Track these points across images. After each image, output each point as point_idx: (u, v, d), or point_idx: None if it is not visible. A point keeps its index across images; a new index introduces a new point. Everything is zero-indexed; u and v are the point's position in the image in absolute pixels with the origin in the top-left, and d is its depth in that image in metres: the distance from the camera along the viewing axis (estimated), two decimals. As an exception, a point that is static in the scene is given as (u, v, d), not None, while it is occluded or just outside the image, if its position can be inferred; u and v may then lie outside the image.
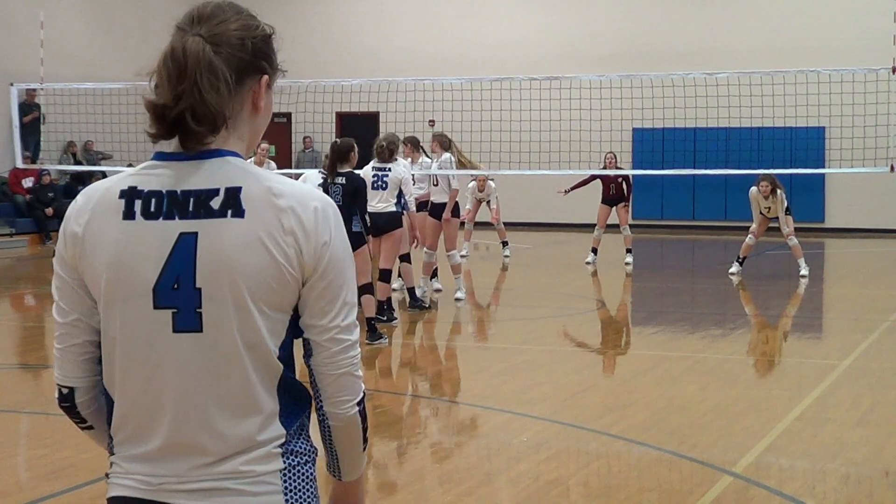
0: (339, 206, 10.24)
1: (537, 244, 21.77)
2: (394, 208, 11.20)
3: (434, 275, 13.57)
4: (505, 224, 18.80)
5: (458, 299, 13.24)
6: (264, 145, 16.48)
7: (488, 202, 18.14)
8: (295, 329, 2.28)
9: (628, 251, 17.36)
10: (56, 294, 2.31)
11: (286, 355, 2.26)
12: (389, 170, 11.23)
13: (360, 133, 28.04)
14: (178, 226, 2.20)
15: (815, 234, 23.16)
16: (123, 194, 2.26)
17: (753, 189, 15.82)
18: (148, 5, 27.21)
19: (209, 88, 2.20)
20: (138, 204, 2.24)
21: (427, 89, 21.37)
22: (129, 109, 23.33)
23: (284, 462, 2.26)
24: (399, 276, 13.17)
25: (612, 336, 11.94)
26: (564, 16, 25.86)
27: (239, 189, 2.21)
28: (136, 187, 2.27)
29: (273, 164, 16.61)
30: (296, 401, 2.29)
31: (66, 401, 2.37)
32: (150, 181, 2.29)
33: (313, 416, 2.35)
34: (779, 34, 24.33)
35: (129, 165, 23.12)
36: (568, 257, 19.01)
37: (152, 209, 2.23)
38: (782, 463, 6.63)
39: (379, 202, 11.15)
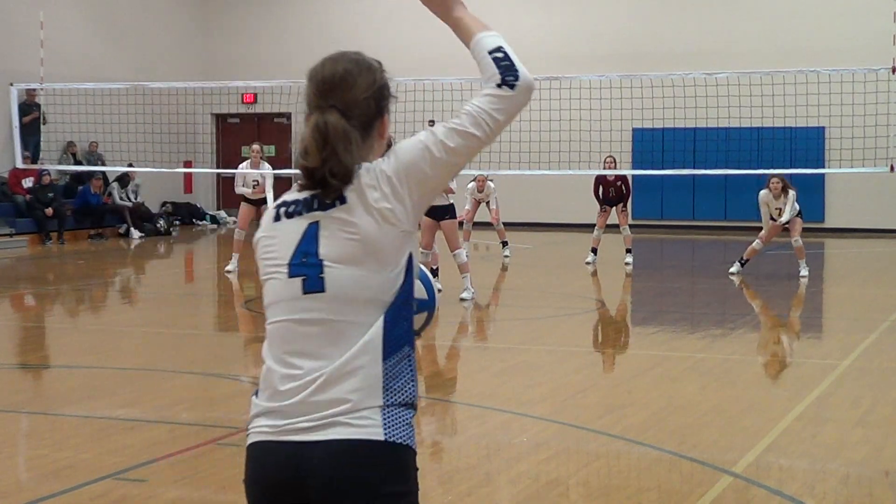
0: None
1: (537, 244, 21.77)
2: None
3: (434, 275, 13.58)
4: (505, 224, 18.80)
5: (462, 299, 13.13)
6: (256, 146, 16.46)
7: (487, 202, 18.15)
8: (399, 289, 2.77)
9: (628, 251, 17.37)
10: None
11: (393, 311, 2.77)
12: None
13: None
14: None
15: (815, 234, 23.15)
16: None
17: (763, 192, 15.76)
18: (148, 5, 27.22)
19: (344, 152, 2.76)
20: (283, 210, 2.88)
21: (427, 89, 21.37)
22: (128, 109, 23.38)
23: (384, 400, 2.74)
24: None
25: (612, 336, 11.94)
26: (564, 16, 25.86)
27: None
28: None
29: (267, 164, 16.58)
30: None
31: None
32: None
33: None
34: (779, 34, 24.32)
35: (130, 165, 23.15)
36: (568, 257, 19.01)
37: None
38: (782, 463, 6.63)
39: None
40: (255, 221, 18.07)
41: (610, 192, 17.32)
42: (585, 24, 25.75)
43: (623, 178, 17.42)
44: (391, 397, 2.75)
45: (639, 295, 15.42)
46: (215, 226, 27.15)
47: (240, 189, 16.36)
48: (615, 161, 17.55)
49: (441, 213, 12.86)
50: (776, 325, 12.42)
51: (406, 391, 2.77)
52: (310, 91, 2.84)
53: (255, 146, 16.43)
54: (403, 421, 2.75)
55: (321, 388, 2.75)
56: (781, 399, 8.48)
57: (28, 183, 22.45)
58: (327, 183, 2.76)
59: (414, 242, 2.83)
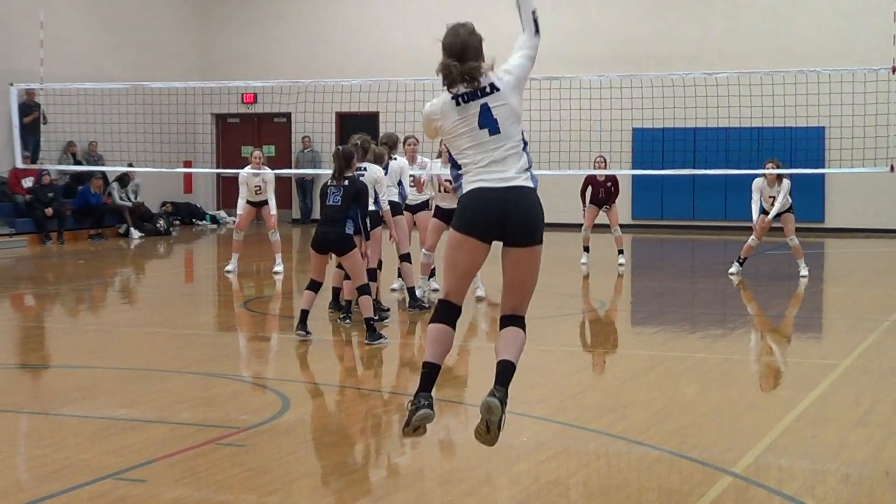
0: (335, 206, 10.28)
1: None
2: (372, 207, 11.29)
3: (432, 275, 13.57)
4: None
5: (479, 298, 13.22)
6: (258, 153, 16.42)
7: None
8: None
9: (620, 252, 17.33)
10: None
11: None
12: (364, 170, 11.39)
13: (359, 132, 28.05)
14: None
15: (815, 234, 23.16)
16: None
17: (757, 179, 15.72)
18: (148, 5, 27.22)
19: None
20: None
21: (427, 89, 21.34)
22: (128, 109, 23.38)
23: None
24: (399, 275, 13.19)
25: (611, 336, 11.93)
26: (564, 16, 25.84)
27: None
28: None
29: (267, 168, 16.54)
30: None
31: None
32: None
33: None
34: (779, 34, 24.32)
35: (129, 165, 23.15)
36: (568, 257, 18.99)
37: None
38: (782, 463, 6.63)
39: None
40: (255, 222, 18.05)
41: (599, 192, 17.27)
42: (585, 24, 25.74)
43: (613, 179, 17.33)
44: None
45: (639, 295, 15.42)
46: (215, 226, 27.14)
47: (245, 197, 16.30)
48: (605, 161, 17.49)
49: (450, 215, 12.84)
50: (776, 325, 12.42)
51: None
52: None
53: (257, 153, 16.39)
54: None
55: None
56: (781, 399, 8.48)
57: (28, 183, 22.44)
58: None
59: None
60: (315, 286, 10.62)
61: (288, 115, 27.18)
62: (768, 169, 15.54)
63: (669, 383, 9.15)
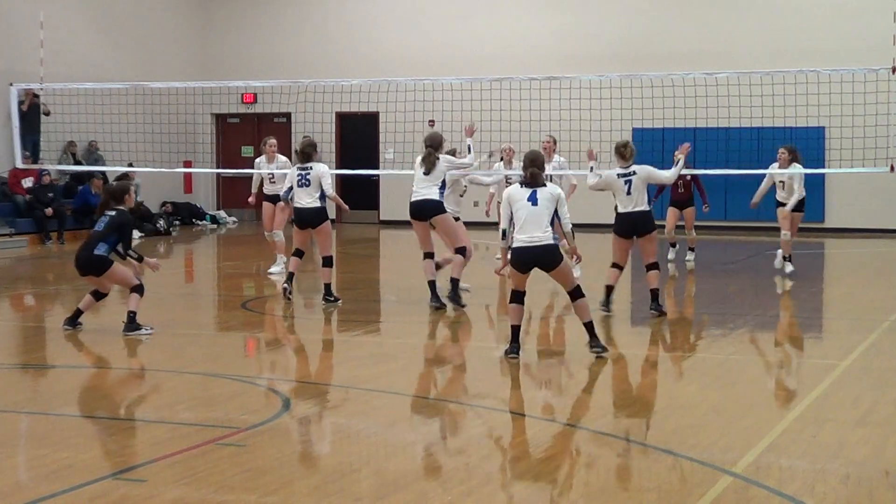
0: (96, 231, 10.71)
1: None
2: (318, 203, 12.80)
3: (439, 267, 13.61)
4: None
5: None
6: (272, 140, 16.37)
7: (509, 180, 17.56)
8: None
9: (690, 249, 17.74)
10: None
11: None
12: (311, 168, 12.84)
13: (360, 133, 28.12)
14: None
15: (815, 234, 23.16)
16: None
17: (773, 164, 16.01)
18: (148, 5, 27.22)
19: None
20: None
21: (427, 89, 21.37)
22: (128, 109, 23.38)
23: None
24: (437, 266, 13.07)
25: (612, 336, 11.92)
26: (564, 16, 25.85)
27: None
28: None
29: (283, 157, 16.46)
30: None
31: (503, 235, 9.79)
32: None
33: None
34: (779, 34, 24.32)
35: (129, 165, 23.14)
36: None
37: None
38: (782, 463, 6.63)
39: (305, 198, 12.87)
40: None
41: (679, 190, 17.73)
42: (585, 24, 25.74)
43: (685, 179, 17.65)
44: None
45: (638, 295, 15.40)
46: (215, 226, 27.15)
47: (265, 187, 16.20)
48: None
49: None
50: (776, 325, 12.42)
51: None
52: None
53: (272, 140, 16.33)
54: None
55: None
56: (781, 399, 8.48)
57: (28, 183, 22.44)
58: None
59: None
60: None
61: (288, 115, 27.18)
62: (780, 156, 15.85)
63: (669, 383, 9.15)
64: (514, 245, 9.64)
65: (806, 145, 23.52)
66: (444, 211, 12.73)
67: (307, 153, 12.91)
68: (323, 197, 12.93)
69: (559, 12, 25.92)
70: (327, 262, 13.09)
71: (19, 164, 20.60)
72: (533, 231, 9.54)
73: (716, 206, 24.85)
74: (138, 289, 11.21)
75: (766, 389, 9.08)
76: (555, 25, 25.82)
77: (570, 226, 9.96)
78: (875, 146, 18.15)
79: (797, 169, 15.83)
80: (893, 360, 10.01)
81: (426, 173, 12.62)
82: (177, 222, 26.24)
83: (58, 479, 6.22)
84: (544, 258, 9.56)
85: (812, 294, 14.73)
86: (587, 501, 5.99)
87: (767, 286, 15.67)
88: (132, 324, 11.05)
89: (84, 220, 23.21)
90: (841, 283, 16.43)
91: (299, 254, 13.20)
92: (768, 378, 9.66)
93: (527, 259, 9.56)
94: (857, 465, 6.58)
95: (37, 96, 22.22)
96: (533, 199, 9.59)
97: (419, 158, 12.81)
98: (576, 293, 9.71)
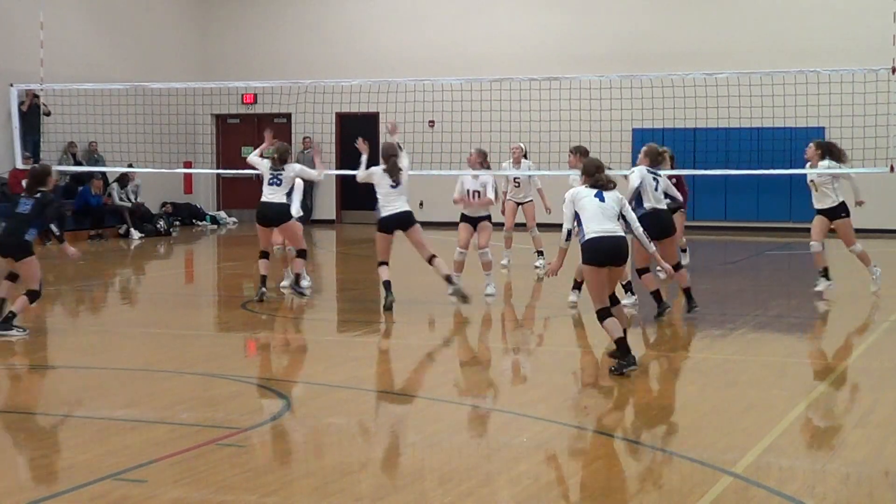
0: (25, 214, 11.18)
1: (537, 244, 21.70)
2: (283, 200, 13.21)
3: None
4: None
5: (488, 295, 13.58)
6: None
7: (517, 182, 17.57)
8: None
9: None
10: None
11: None
12: (283, 170, 13.33)
13: (360, 133, 28.03)
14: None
15: (815, 234, 23.10)
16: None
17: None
18: (148, 5, 27.21)
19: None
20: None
21: (427, 89, 21.36)
22: (129, 110, 23.37)
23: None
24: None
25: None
26: (564, 16, 25.84)
27: None
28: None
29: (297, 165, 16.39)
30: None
31: (568, 236, 9.79)
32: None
33: None
34: (779, 34, 24.32)
35: (129, 166, 23.14)
36: (567, 258, 18.98)
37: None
38: (782, 463, 6.63)
39: (272, 195, 13.27)
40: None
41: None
42: (585, 24, 25.74)
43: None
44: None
45: (639, 295, 15.40)
46: (215, 226, 27.14)
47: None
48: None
49: (472, 221, 14.16)
50: (776, 325, 12.41)
51: None
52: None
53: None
54: None
55: None
56: (781, 399, 8.48)
57: (28, 183, 22.42)
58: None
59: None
60: None
61: (288, 116, 27.17)
62: (808, 151, 14.02)
63: (669, 383, 9.15)
64: (588, 236, 9.33)
65: (806, 145, 23.52)
66: (415, 222, 12.83)
67: (284, 158, 13.43)
68: (289, 195, 13.42)
69: (559, 12, 25.92)
70: (301, 254, 13.52)
71: (20, 165, 20.57)
72: (605, 223, 9.33)
73: (716, 206, 24.95)
74: (34, 294, 11.20)
75: (766, 390, 9.08)
76: (555, 25, 25.82)
77: (641, 229, 9.75)
78: (875, 146, 18.12)
79: (821, 169, 13.89)
80: (893, 360, 10.01)
81: (394, 186, 12.74)
82: (177, 223, 26.23)
83: (58, 479, 6.23)
84: (622, 251, 9.31)
85: (812, 294, 14.72)
86: (587, 501, 5.99)
87: (767, 286, 15.66)
88: (7, 323, 11.09)
89: (84, 221, 23.23)
90: (841, 283, 16.42)
91: (265, 255, 13.42)
92: (768, 378, 9.66)
93: (605, 248, 9.23)
94: (857, 465, 6.58)
95: (37, 97, 22.22)
96: (600, 197, 9.45)
97: (380, 168, 12.82)
98: (613, 299, 9.40)
